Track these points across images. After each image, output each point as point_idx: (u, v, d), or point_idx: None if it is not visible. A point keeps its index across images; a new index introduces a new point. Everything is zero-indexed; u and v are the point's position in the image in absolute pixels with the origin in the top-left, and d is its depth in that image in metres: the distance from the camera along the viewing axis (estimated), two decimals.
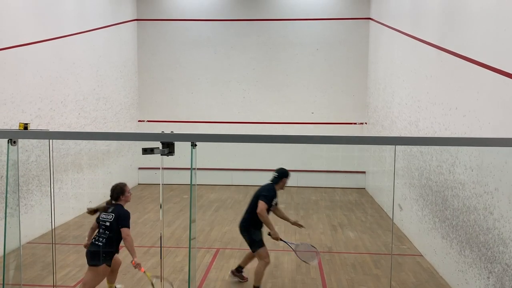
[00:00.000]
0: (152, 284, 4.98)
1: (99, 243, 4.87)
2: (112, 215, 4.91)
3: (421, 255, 7.12)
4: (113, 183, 5.35)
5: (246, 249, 7.36)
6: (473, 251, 5.23)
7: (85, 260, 4.92)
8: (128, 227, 4.90)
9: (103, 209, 5.06)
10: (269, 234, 5.70)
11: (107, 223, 4.91)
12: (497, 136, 4.66)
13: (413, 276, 6.29)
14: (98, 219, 5.06)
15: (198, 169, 3.96)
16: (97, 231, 5.04)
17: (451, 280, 5.91)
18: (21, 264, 3.78)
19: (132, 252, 4.85)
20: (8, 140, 3.30)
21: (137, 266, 4.84)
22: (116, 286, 5.60)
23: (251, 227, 5.74)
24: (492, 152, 4.82)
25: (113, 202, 5.09)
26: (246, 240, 5.81)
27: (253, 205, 5.75)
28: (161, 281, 5.82)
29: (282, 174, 5.90)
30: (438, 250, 6.43)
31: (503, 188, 4.56)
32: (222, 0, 12.89)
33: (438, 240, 6.41)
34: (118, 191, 5.12)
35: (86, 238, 5.16)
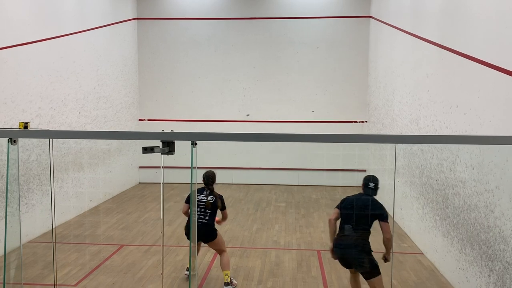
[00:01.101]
0: None
1: (205, 220, 5.76)
2: (213, 197, 5.86)
3: (422, 253, 7.12)
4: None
5: (247, 247, 7.38)
6: (474, 249, 5.22)
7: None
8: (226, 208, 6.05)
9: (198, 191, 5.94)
10: (385, 259, 4.96)
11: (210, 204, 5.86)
12: (498, 134, 4.66)
13: (414, 274, 6.29)
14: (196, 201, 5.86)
15: (198, 167, 3.96)
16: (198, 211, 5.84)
17: (452, 278, 5.91)
18: (21, 263, 3.78)
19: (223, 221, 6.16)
20: (8, 140, 3.30)
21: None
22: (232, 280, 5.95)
23: (366, 250, 4.84)
24: (493, 150, 4.81)
25: (208, 187, 5.94)
26: (358, 268, 4.89)
27: (358, 222, 4.87)
28: (162, 280, 5.83)
29: (378, 182, 5.00)
30: (439, 248, 6.43)
31: (504, 186, 4.56)
32: None
33: (439, 238, 6.41)
34: (212, 179, 5.97)
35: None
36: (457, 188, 5.78)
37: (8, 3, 7.15)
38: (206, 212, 5.79)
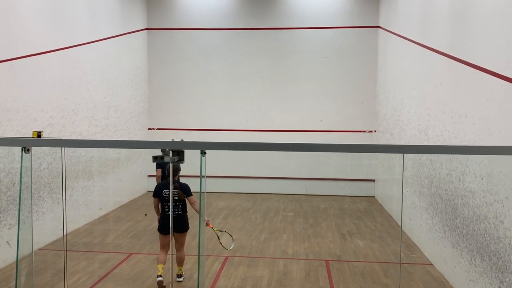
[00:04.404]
0: (218, 237, 6.03)
1: (180, 211, 6.05)
2: (178, 190, 5.98)
3: (431, 264, 7.06)
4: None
5: (255, 256, 7.39)
6: (484, 260, 5.18)
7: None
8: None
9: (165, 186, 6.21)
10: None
11: (176, 197, 6.02)
12: (508, 144, 4.64)
13: (423, 285, 6.24)
14: (162, 196, 6.12)
15: (207, 176, 3.99)
16: (166, 205, 6.09)
17: None
18: (33, 270, 3.83)
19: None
20: (22, 148, 3.36)
21: (207, 223, 5.99)
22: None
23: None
24: (502, 161, 4.79)
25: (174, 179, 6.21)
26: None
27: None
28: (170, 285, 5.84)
29: None
30: (448, 259, 6.38)
31: None
32: (231, 9, 13.02)
33: (449, 249, 6.36)
34: (178, 172, 6.34)
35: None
36: (467, 199, 5.75)
37: (21, 14, 7.30)
38: (179, 204, 6.13)
